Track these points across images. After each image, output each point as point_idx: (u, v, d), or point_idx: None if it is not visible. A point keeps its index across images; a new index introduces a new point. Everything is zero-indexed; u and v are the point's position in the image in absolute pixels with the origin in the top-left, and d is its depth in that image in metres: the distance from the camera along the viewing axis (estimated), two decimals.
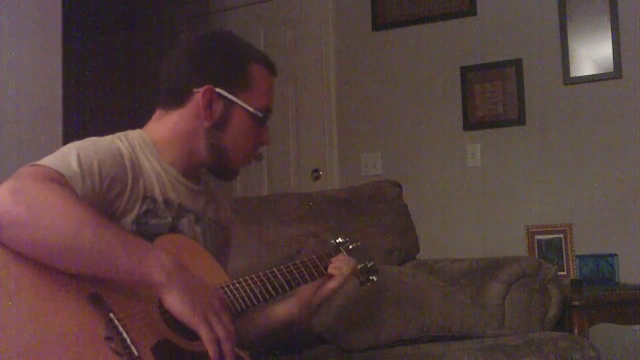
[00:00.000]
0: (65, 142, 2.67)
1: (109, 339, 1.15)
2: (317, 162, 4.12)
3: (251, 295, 1.39)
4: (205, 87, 1.43)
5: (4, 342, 1.08)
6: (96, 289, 1.18)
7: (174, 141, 1.46)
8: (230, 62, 1.47)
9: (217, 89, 1.44)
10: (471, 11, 3.78)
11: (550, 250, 3.22)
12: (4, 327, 1.09)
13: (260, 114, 1.48)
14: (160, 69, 1.51)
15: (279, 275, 1.47)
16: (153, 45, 4.82)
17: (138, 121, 1.53)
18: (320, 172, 4.12)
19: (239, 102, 1.45)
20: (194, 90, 1.44)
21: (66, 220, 1.15)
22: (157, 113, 1.50)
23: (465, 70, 3.76)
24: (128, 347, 1.15)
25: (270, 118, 1.52)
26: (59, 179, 1.23)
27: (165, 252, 1.23)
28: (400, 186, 2.77)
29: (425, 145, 3.87)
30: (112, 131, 1.46)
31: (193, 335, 1.23)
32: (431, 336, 2.03)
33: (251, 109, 1.46)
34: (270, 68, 1.52)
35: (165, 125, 1.47)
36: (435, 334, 2.04)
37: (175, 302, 1.20)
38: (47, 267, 1.16)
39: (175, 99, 1.47)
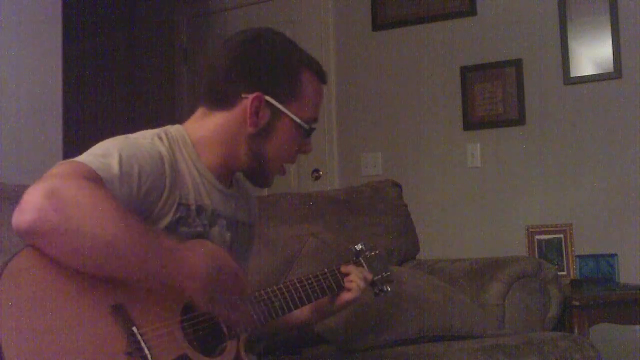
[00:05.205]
0: (65, 142, 2.70)
1: (129, 354, 1.13)
2: (317, 162, 4.12)
3: (271, 309, 1.40)
4: (255, 94, 1.38)
5: (24, 350, 1.06)
6: (119, 300, 1.16)
7: (214, 143, 1.42)
8: (282, 70, 1.42)
9: (267, 97, 1.39)
10: (471, 11, 3.78)
11: (550, 250, 3.21)
12: (26, 335, 1.07)
13: (307, 126, 1.44)
14: (204, 65, 1.47)
15: (299, 288, 1.47)
16: (153, 45, 4.82)
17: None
18: (320, 172, 4.12)
19: (288, 112, 1.41)
20: (243, 95, 1.39)
21: (104, 225, 1.11)
22: (200, 111, 1.45)
23: (465, 70, 3.76)
24: None
25: (315, 130, 1.47)
26: (95, 179, 1.18)
27: (200, 258, 1.22)
28: (400, 186, 2.77)
29: (425, 145, 3.87)
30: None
31: (213, 352, 1.25)
32: (431, 336, 2.02)
33: (299, 121, 1.42)
34: (321, 76, 1.48)
35: (207, 126, 1.43)
36: (435, 334, 2.03)
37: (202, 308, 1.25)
38: (73, 273, 1.12)
39: (222, 101, 1.42)
